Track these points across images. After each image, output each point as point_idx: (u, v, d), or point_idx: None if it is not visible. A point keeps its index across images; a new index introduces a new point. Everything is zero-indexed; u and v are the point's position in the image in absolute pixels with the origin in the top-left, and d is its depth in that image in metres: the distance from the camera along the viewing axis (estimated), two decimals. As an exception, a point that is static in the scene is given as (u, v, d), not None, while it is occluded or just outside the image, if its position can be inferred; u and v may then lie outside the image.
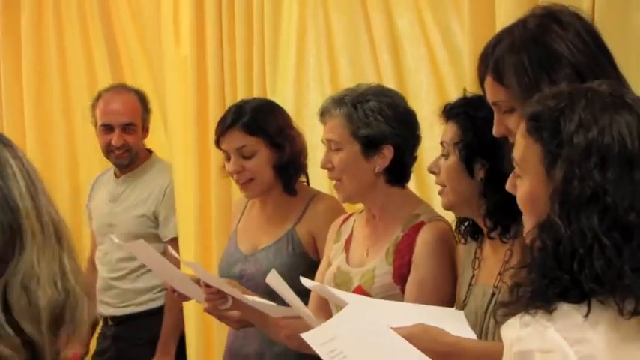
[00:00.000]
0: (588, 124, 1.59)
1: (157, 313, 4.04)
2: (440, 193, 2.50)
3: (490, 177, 2.35)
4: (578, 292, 1.55)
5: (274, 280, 2.53)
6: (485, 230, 2.43)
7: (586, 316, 1.53)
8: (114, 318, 4.11)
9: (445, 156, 2.45)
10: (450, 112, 2.46)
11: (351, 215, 2.92)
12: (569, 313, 1.54)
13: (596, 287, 1.53)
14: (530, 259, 1.60)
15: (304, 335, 2.16)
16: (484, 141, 2.33)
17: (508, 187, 1.72)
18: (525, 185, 1.66)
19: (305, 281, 2.53)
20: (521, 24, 2.13)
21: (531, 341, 1.54)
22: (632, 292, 1.53)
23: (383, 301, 2.57)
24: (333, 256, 2.85)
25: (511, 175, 1.71)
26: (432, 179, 2.62)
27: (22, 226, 1.30)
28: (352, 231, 2.84)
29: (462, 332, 2.26)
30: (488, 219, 2.35)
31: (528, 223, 1.67)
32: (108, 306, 4.11)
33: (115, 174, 4.18)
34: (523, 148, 1.66)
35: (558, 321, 1.54)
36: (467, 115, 2.41)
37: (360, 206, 2.90)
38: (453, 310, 2.42)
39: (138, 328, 4.07)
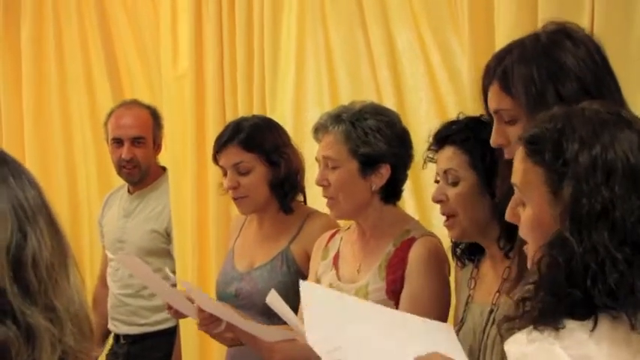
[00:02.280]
0: (591, 141, 1.60)
1: (170, 333, 4.01)
2: (449, 225, 2.44)
3: (503, 197, 2.32)
4: (587, 309, 1.55)
5: (274, 300, 2.51)
6: (488, 251, 2.40)
7: (592, 331, 1.54)
8: (126, 336, 4.07)
9: (454, 183, 2.42)
10: (453, 138, 2.43)
11: (336, 232, 2.91)
12: (575, 331, 1.55)
13: (610, 302, 1.54)
14: (538, 276, 1.60)
15: (310, 340, 2.14)
16: (498, 160, 2.30)
17: (508, 216, 1.72)
18: (530, 210, 1.66)
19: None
20: (534, 37, 2.14)
21: (537, 358, 1.54)
22: None
23: (389, 310, 2.54)
24: (320, 274, 2.84)
25: (510, 204, 1.71)
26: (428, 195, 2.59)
27: None
28: (339, 248, 2.84)
29: (452, 347, 2.25)
30: (505, 239, 2.29)
31: (533, 246, 1.67)
32: (120, 323, 4.08)
33: (129, 190, 4.16)
34: (523, 173, 1.67)
35: (565, 339, 1.54)
36: (474, 138, 2.38)
37: (348, 222, 2.89)
38: (445, 325, 2.40)
39: (151, 347, 4.03)
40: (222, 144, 3.16)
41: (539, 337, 1.54)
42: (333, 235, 2.90)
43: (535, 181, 1.64)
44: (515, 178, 1.69)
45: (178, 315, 3.10)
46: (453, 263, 2.59)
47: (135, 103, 4.19)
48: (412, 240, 2.67)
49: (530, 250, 1.68)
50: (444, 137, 2.46)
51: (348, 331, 2.21)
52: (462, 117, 2.47)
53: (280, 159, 3.15)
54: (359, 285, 2.70)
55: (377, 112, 2.78)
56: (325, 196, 2.79)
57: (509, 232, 2.22)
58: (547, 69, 2.06)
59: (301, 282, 2.42)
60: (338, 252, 2.83)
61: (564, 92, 2.03)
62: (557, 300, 1.55)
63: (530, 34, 2.15)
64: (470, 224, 2.41)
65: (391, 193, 2.76)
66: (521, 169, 1.67)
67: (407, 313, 2.51)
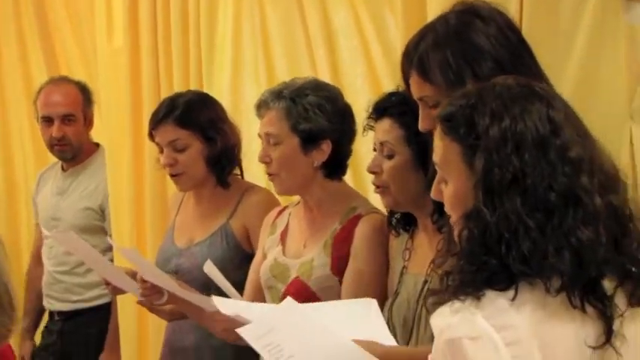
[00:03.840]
0: (501, 114, 1.64)
1: (105, 309, 4.00)
2: (380, 193, 2.50)
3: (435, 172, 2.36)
4: (506, 277, 1.59)
5: (210, 270, 2.54)
6: (421, 223, 2.45)
7: (513, 299, 1.58)
8: (60, 313, 4.07)
9: (390, 156, 2.46)
10: (391, 111, 2.47)
11: (285, 208, 2.93)
12: (495, 300, 1.59)
13: (524, 269, 1.58)
14: (459, 248, 1.64)
15: (239, 330, 2.18)
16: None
17: (433, 194, 1.75)
18: (450, 186, 1.70)
19: (227, 305, 2.52)
20: (443, 20, 2.16)
21: (460, 328, 1.58)
22: (557, 270, 1.58)
23: (306, 304, 2.58)
24: (268, 249, 2.86)
25: (435, 182, 1.74)
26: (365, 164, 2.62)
27: None
28: (288, 223, 2.86)
29: (375, 323, 2.31)
30: (437, 214, 2.32)
31: (455, 220, 1.71)
32: (54, 300, 4.07)
33: (62, 167, 4.14)
34: (442, 150, 1.70)
35: (486, 308, 1.58)
36: (412, 112, 2.37)
37: (294, 198, 2.92)
38: (366, 300, 2.43)
39: (85, 323, 4.03)
40: (157, 121, 3.16)
41: (462, 307, 1.58)
42: (281, 211, 2.92)
43: (452, 157, 1.68)
44: (436, 156, 1.72)
45: (116, 291, 3.10)
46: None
47: (63, 80, 4.17)
48: (358, 217, 2.70)
49: (454, 225, 1.72)
50: (382, 108, 2.49)
51: (277, 318, 2.24)
52: (402, 89, 2.46)
53: (216, 134, 3.15)
54: (304, 260, 2.73)
55: (318, 88, 2.80)
56: (268, 173, 2.80)
57: (441, 207, 2.28)
58: (461, 51, 2.09)
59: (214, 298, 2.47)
60: (287, 227, 2.85)
61: (480, 72, 2.06)
62: (475, 269, 1.59)
63: (439, 17, 2.17)
64: (402, 197, 2.45)
65: (335, 168, 2.77)
66: (440, 146, 1.71)
67: (324, 302, 2.55)
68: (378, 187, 2.50)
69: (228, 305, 2.49)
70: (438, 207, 2.25)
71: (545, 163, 1.62)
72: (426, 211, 2.38)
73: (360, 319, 2.31)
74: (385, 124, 2.47)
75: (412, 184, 2.43)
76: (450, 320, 1.59)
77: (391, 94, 2.51)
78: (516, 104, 1.65)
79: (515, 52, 2.12)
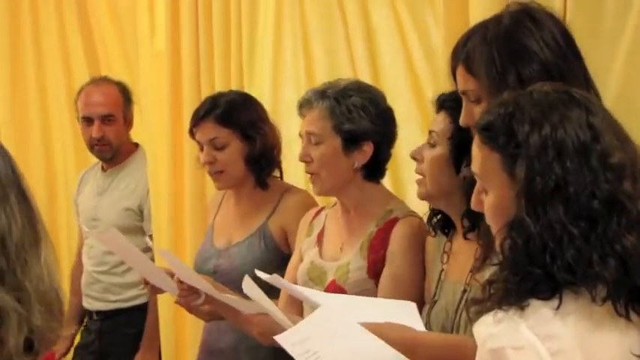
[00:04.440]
0: (540, 122, 1.63)
1: (143, 309, 4.01)
2: (418, 182, 2.50)
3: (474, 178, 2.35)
4: (550, 286, 1.58)
5: (249, 288, 2.52)
6: (458, 226, 2.43)
7: (557, 309, 1.56)
8: (99, 313, 4.08)
9: (432, 145, 2.45)
10: (445, 103, 2.46)
11: (322, 209, 2.93)
12: (540, 309, 1.57)
13: (569, 277, 1.56)
14: (502, 258, 1.63)
15: (277, 337, 2.17)
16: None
17: (474, 205, 1.74)
18: (491, 196, 1.68)
19: (266, 277, 2.52)
20: (496, 19, 2.17)
21: (503, 338, 1.57)
22: (602, 278, 1.57)
23: (346, 296, 2.58)
24: (304, 250, 2.85)
25: (475, 192, 1.73)
26: (407, 175, 2.61)
27: None
28: (324, 225, 2.85)
29: (414, 324, 2.30)
30: (467, 219, 2.33)
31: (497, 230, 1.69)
32: (93, 300, 4.08)
33: (102, 167, 4.16)
34: (482, 160, 1.69)
35: (530, 317, 1.57)
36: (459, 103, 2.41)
37: (332, 200, 2.91)
38: (407, 302, 2.43)
39: (124, 323, 4.04)
40: (198, 119, 3.17)
41: (505, 317, 1.57)
42: (318, 212, 2.91)
43: (493, 167, 1.66)
44: (475, 166, 1.71)
45: (155, 290, 3.10)
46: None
47: (104, 80, 4.18)
48: (395, 220, 2.68)
49: (495, 235, 1.70)
50: (442, 101, 2.48)
51: (314, 324, 2.23)
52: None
53: (256, 134, 3.16)
54: (340, 263, 2.72)
55: (361, 89, 2.79)
56: (307, 172, 2.80)
57: (472, 213, 2.27)
58: (508, 50, 2.09)
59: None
60: (323, 229, 2.84)
61: (525, 74, 2.06)
62: (519, 279, 1.58)
63: (493, 16, 2.18)
64: (434, 190, 2.44)
65: (374, 171, 2.77)
66: (479, 156, 1.70)
67: (365, 297, 2.54)
68: (417, 174, 2.50)
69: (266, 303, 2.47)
70: (469, 212, 2.25)
71: (587, 170, 1.60)
72: (460, 215, 2.37)
73: (399, 318, 2.29)
74: (440, 115, 2.47)
75: (446, 178, 2.41)
76: (493, 329, 1.58)
77: (454, 91, 2.50)
78: (555, 111, 1.64)
79: (563, 58, 2.11)
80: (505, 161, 1.64)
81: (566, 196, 1.59)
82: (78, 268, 4.20)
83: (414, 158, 2.51)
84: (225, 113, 3.14)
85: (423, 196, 2.50)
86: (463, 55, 2.15)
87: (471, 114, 2.15)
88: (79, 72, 4.73)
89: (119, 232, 3.01)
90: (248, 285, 2.50)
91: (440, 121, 2.45)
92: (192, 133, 3.21)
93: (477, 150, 1.70)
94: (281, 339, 2.16)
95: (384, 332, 2.18)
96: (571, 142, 1.61)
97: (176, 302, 2.96)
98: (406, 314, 2.35)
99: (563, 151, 1.60)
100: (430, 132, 2.47)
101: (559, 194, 1.59)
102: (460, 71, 2.17)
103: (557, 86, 1.71)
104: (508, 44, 2.10)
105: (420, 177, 2.48)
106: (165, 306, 3.91)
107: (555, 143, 1.61)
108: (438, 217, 2.52)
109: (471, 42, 2.15)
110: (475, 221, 2.31)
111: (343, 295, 2.59)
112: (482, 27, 2.17)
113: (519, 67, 2.07)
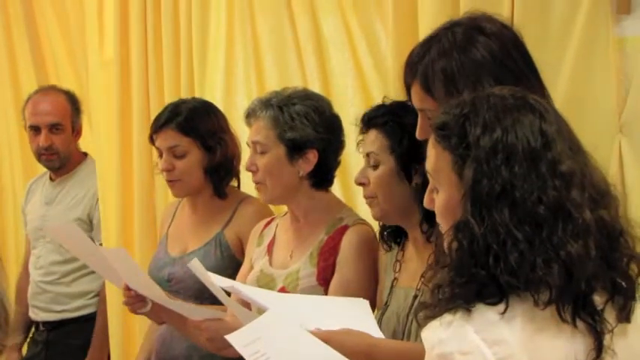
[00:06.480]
0: (493, 125, 1.64)
1: (90, 320, 3.99)
2: (369, 204, 2.50)
3: (425, 181, 2.36)
4: (496, 290, 1.58)
5: (196, 268, 2.49)
6: (411, 235, 2.44)
7: (503, 313, 1.57)
8: (46, 323, 4.04)
9: (375, 166, 2.46)
10: (372, 121, 2.47)
11: (273, 219, 2.93)
12: (486, 313, 1.58)
13: (513, 281, 1.57)
14: (449, 260, 1.63)
15: (228, 337, 2.17)
16: (419, 146, 2.34)
17: (426, 203, 1.75)
18: (441, 196, 1.69)
19: (219, 280, 2.52)
20: (450, 33, 2.16)
21: (451, 343, 1.57)
22: (545, 282, 1.57)
23: (300, 295, 2.58)
24: (255, 260, 2.86)
25: (427, 191, 1.74)
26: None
27: None
28: (275, 234, 2.85)
29: (366, 322, 2.31)
30: (426, 223, 2.34)
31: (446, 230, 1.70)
32: (39, 310, 4.05)
33: (51, 177, 4.14)
34: (434, 159, 1.70)
35: (477, 321, 1.57)
36: (395, 122, 2.42)
37: (285, 209, 2.91)
38: (360, 300, 2.44)
39: (70, 334, 4.01)
40: (159, 126, 3.16)
41: (453, 321, 1.57)
42: (269, 222, 2.92)
43: (444, 166, 1.67)
44: (428, 164, 1.72)
45: (137, 307, 3.04)
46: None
47: (52, 89, 4.16)
48: (345, 228, 2.70)
49: (444, 235, 1.71)
50: (368, 120, 2.49)
51: (265, 325, 2.23)
52: (388, 101, 2.50)
53: (217, 145, 3.16)
54: (290, 270, 2.73)
55: (306, 97, 2.80)
56: (254, 181, 2.81)
57: (430, 217, 2.27)
58: (464, 68, 2.09)
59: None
60: (274, 238, 2.85)
61: (481, 88, 2.04)
62: (465, 281, 1.58)
63: (445, 29, 2.17)
64: (389, 206, 2.45)
65: (321, 179, 2.77)
66: (432, 155, 1.70)
67: (317, 296, 2.55)
68: (366, 198, 2.50)
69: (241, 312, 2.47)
70: (426, 216, 2.26)
71: (535, 175, 1.61)
72: (415, 223, 2.38)
73: (352, 316, 2.30)
74: (371, 135, 2.48)
75: (398, 193, 2.43)
76: (441, 335, 1.58)
77: (379, 106, 2.51)
78: (509, 115, 1.65)
79: (516, 70, 2.11)
80: (455, 161, 1.65)
81: (512, 200, 1.59)
82: (24, 278, 4.16)
83: (360, 184, 2.50)
84: (187, 122, 3.13)
85: (378, 216, 2.51)
86: (419, 72, 2.14)
87: (428, 129, 2.15)
88: (26, 81, 4.69)
89: (77, 227, 2.99)
90: (196, 266, 2.47)
91: (373, 140, 2.46)
92: (152, 140, 3.20)
93: (430, 148, 1.71)
94: (232, 338, 2.15)
95: (342, 339, 2.18)
96: (521, 147, 1.62)
97: (124, 303, 2.94)
98: (359, 312, 2.36)
99: (513, 155, 1.61)
100: (368, 154, 2.47)
101: (505, 198, 1.59)
102: (416, 89, 2.16)
103: (515, 91, 1.72)
104: (463, 61, 2.10)
105: (370, 200, 2.48)
106: (115, 316, 3.89)
107: (505, 147, 1.62)
108: (388, 230, 2.53)
109: (426, 58, 2.14)
110: (434, 223, 2.32)
111: (297, 294, 2.59)
112: (437, 42, 2.15)
113: (476, 83, 2.07)
